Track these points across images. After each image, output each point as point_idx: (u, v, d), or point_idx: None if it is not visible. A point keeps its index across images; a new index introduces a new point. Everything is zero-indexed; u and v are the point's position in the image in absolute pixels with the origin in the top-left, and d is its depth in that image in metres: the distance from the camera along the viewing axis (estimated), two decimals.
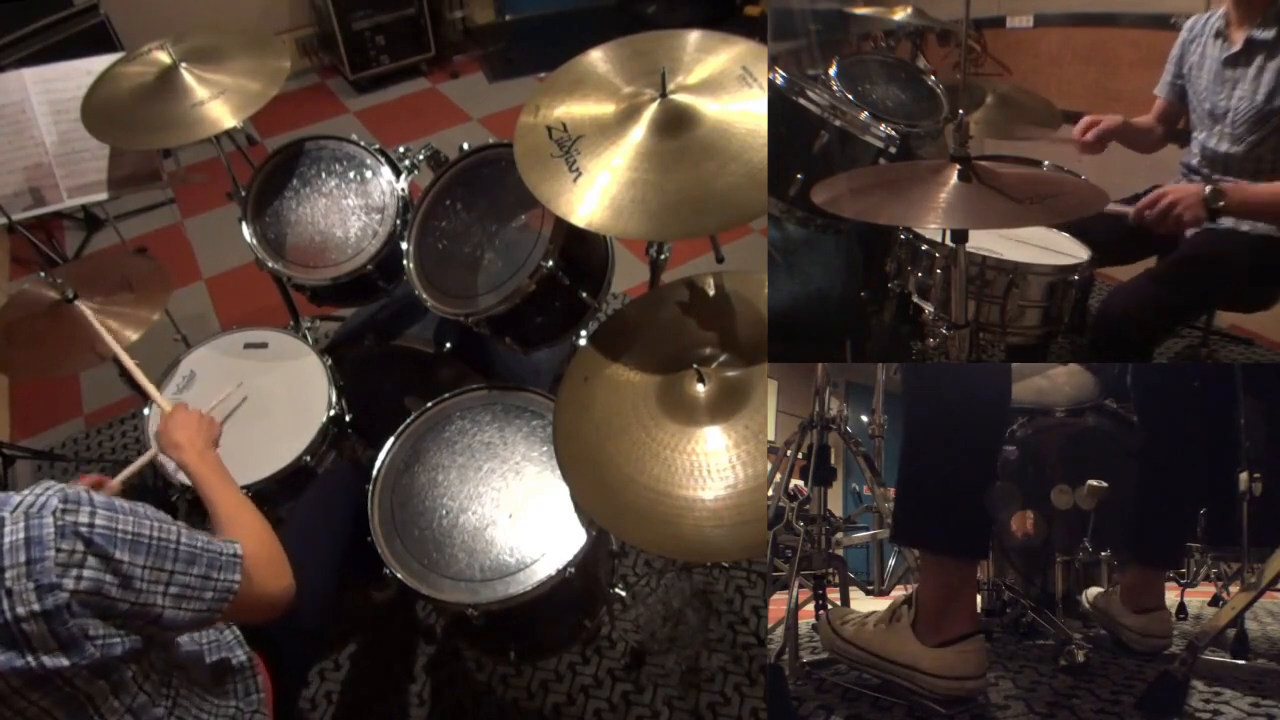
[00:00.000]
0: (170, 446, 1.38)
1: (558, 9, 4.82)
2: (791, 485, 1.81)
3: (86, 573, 0.85)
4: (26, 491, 0.87)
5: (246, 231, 1.96)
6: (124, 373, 1.73)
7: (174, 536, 0.96)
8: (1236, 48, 1.67)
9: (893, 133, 1.74)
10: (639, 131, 1.41)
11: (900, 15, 2.29)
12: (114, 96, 1.95)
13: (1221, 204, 1.58)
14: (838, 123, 1.72)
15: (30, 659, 0.83)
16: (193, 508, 1.62)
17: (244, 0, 4.24)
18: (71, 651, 0.85)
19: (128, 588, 0.89)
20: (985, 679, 1.24)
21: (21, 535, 0.83)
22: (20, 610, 0.82)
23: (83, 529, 0.86)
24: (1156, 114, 1.93)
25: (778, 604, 1.72)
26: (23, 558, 0.82)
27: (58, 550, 0.83)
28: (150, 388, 1.65)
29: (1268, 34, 1.62)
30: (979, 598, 1.69)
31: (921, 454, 1.35)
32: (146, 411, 1.76)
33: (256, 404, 1.77)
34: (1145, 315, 1.77)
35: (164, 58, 1.95)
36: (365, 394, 1.92)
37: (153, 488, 1.88)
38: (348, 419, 1.81)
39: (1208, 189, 1.58)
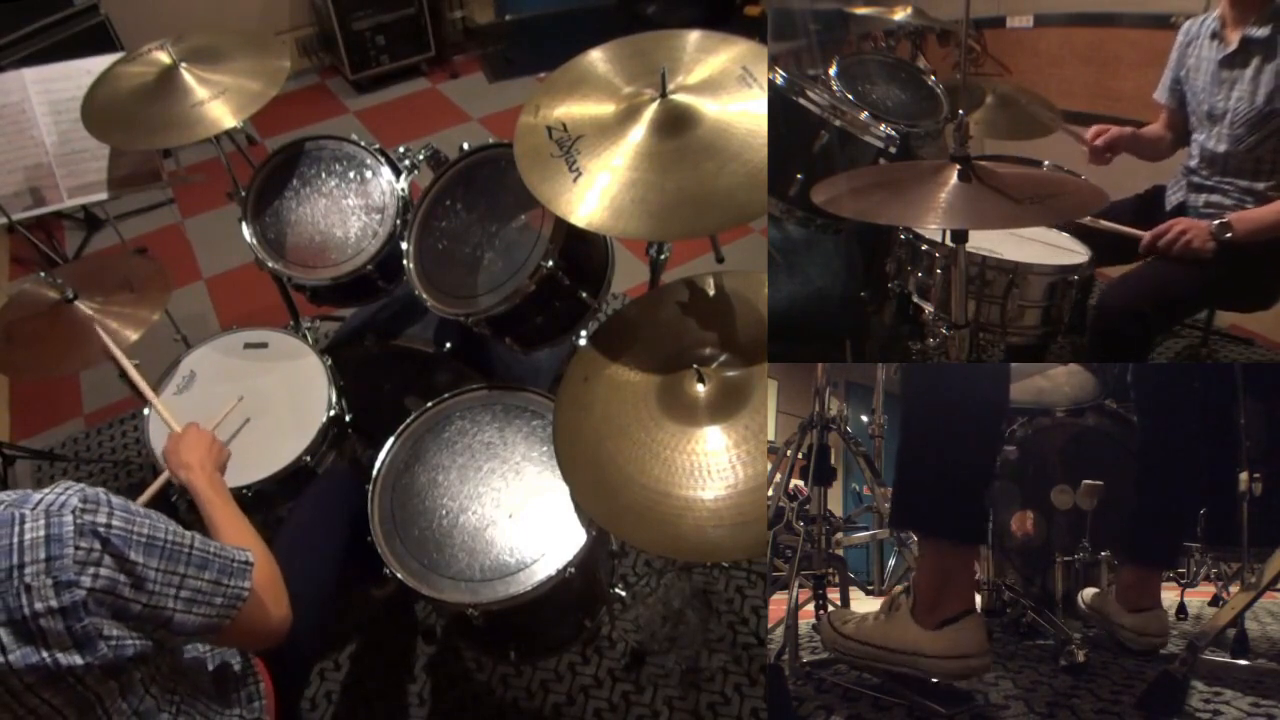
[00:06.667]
0: (180, 467, 1.38)
1: (558, 9, 4.81)
2: (791, 485, 1.81)
3: (103, 571, 0.87)
4: (47, 490, 0.88)
5: (246, 231, 1.96)
6: (124, 374, 1.73)
7: (188, 541, 0.98)
8: (1232, 48, 1.67)
9: (893, 133, 1.74)
10: (639, 131, 1.41)
11: (900, 15, 2.29)
12: (114, 96, 1.95)
13: (1229, 235, 1.63)
14: (838, 123, 1.72)
15: (46, 655, 0.85)
16: (191, 508, 1.62)
17: (244, 0, 4.24)
18: (85, 650, 0.87)
19: (141, 589, 0.91)
20: (988, 657, 1.24)
21: (42, 533, 0.84)
22: (39, 606, 0.83)
23: (100, 529, 0.87)
24: (1165, 122, 1.93)
25: (778, 604, 1.72)
26: (42, 554, 0.84)
27: (76, 548, 0.85)
28: (159, 405, 1.65)
29: (1263, 32, 1.62)
30: (979, 598, 1.69)
31: (919, 448, 1.36)
32: (146, 412, 1.75)
33: (256, 404, 1.77)
34: (1143, 309, 1.77)
35: (164, 58, 1.95)
36: (365, 394, 1.92)
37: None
38: (348, 419, 1.81)
39: (1215, 223, 1.63)
